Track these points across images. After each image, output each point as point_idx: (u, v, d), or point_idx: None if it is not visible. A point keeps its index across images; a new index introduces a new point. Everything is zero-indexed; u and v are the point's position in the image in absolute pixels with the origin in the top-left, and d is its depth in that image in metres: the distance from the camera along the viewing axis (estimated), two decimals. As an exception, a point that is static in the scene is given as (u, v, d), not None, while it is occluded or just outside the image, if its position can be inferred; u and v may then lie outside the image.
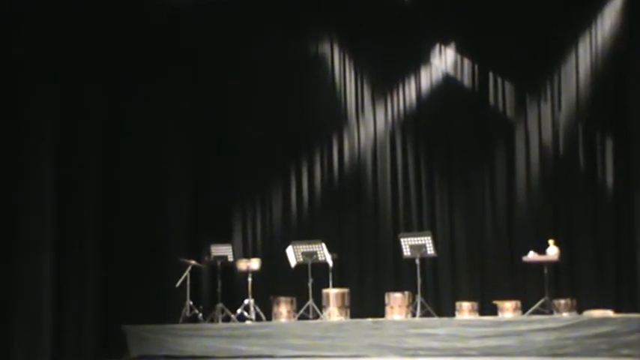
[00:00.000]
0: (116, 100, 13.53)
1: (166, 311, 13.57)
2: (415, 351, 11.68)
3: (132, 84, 13.76)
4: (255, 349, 12.35)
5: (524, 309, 12.38)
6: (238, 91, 15.15)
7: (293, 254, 13.40)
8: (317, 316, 12.98)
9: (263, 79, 15.05)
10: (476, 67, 14.27)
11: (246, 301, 13.53)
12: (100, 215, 13.09)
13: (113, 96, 13.48)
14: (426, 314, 12.52)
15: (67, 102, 12.55)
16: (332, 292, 13.04)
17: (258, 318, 13.44)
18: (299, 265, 13.38)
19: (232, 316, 13.40)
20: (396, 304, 12.69)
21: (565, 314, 12.10)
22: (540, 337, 11.24)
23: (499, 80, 14.15)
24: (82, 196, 12.87)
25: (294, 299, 13.33)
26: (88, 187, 12.97)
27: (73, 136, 12.71)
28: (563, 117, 13.76)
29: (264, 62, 14.98)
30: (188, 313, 13.30)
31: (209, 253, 13.97)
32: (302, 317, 13.04)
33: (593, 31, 13.58)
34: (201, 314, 13.49)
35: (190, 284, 13.38)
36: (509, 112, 14.10)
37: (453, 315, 12.63)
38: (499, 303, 12.48)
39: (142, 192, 13.90)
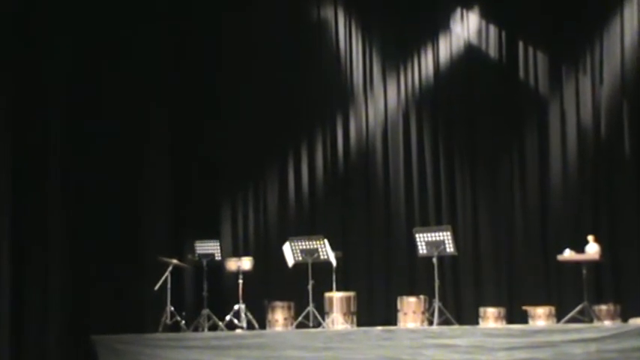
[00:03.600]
0: (81, 73, 13.57)
1: (143, 319, 13.60)
2: (432, 364, 11.66)
3: (105, 52, 13.86)
4: (247, 362, 12.34)
5: (559, 316, 12.37)
6: (228, 63, 15.12)
7: (291, 252, 13.35)
8: (318, 324, 12.97)
9: (257, 49, 15.02)
10: (503, 34, 14.27)
11: (236, 307, 13.51)
12: (66, 208, 13.12)
13: (79, 69, 13.53)
14: (444, 322, 12.51)
15: (24, 79, 12.67)
16: (336, 296, 13.02)
17: (250, 326, 13.44)
18: (298, 265, 13.34)
19: (220, 323, 13.37)
20: (410, 309, 12.66)
21: (607, 322, 12.05)
22: (578, 350, 11.19)
23: (530, 50, 14.13)
24: (45, 186, 12.90)
25: (292, 304, 13.32)
26: (53, 176, 13.01)
27: (31, 115, 12.80)
28: (605, 93, 13.73)
29: (258, 29, 14.97)
30: (169, 321, 13.30)
31: (193, 250, 13.93)
32: (301, 325, 13.01)
33: (641, -11, 13.63)
34: (184, 322, 13.47)
35: (171, 287, 13.39)
36: (542, 88, 14.07)
37: (477, 323, 12.61)
38: (530, 309, 12.47)
39: (115, 180, 13.89)
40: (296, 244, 13.30)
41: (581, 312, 12.20)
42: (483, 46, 14.33)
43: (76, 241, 13.27)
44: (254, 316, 13.46)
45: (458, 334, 11.82)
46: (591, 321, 12.08)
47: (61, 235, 13.07)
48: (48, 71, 13.22)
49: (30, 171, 12.71)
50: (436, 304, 12.52)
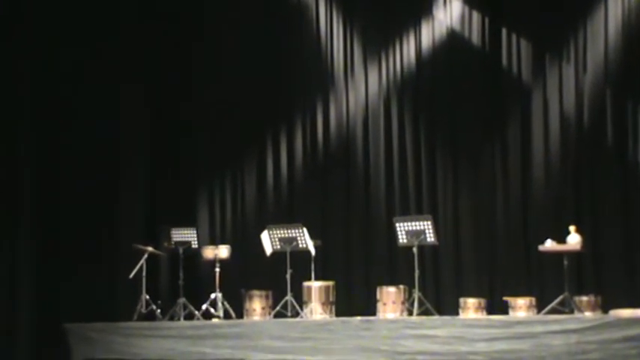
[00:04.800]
0: (54, 58, 13.59)
1: (117, 307, 13.58)
2: (412, 355, 11.67)
3: (77, 36, 13.82)
4: (223, 352, 12.32)
5: (539, 307, 12.41)
6: (207, 49, 15.03)
7: (269, 240, 13.35)
8: (296, 314, 12.97)
9: (236, 34, 14.96)
10: (486, 21, 14.26)
11: (212, 296, 13.50)
12: (37, 192, 13.11)
13: (52, 56, 13.55)
14: (424, 312, 12.53)
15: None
16: (314, 286, 13.02)
17: (227, 315, 13.43)
18: (276, 254, 13.33)
19: (196, 312, 13.39)
20: (390, 300, 12.69)
21: (588, 314, 12.11)
22: (559, 341, 11.21)
23: (513, 37, 14.13)
24: (16, 172, 12.89)
25: (270, 293, 13.33)
26: (24, 162, 12.98)
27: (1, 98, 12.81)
28: (588, 81, 13.76)
29: (238, 14, 14.89)
30: (144, 309, 13.28)
31: (169, 238, 13.86)
32: (279, 315, 13.02)
33: (625, -23, 13.66)
34: (159, 310, 13.44)
35: (147, 275, 13.36)
36: (526, 76, 14.09)
37: (457, 313, 12.65)
38: (511, 300, 12.51)
39: (88, 164, 13.87)
40: (274, 232, 13.29)
41: (561, 303, 12.25)
42: (466, 33, 14.31)
43: (50, 228, 13.23)
44: (231, 306, 13.45)
45: (438, 324, 11.81)
46: (572, 312, 12.12)
47: (33, 222, 13.00)
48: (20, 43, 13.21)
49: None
50: (416, 294, 12.55)
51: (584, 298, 12.34)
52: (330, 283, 13.18)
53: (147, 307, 13.28)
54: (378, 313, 12.73)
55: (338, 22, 14.86)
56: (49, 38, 13.61)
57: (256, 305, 13.15)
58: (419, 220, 12.99)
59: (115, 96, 14.32)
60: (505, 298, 12.60)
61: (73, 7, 13.94)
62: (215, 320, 13.19)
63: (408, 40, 14.57)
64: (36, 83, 13.45)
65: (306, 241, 13.15)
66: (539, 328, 11.34)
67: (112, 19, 14.32)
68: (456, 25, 14.35)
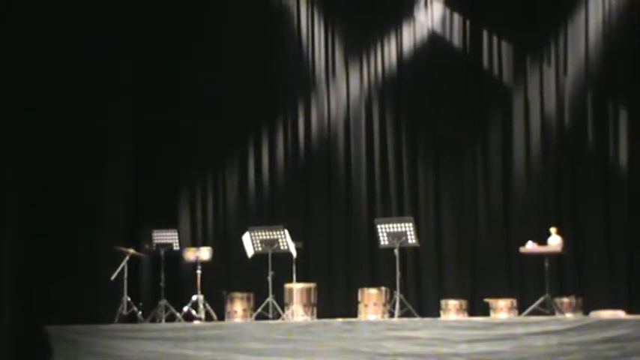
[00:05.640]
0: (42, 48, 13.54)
1: (99, 309, 13.53)
2: (393, 357, 11.69)
3: (61, 32, 13.83)
4: (205, 354, 12.30)
5: (520, 309, 12.43)
6: (189, 50, 14.98)
7: (250, 242, 13.36)
8: (278, 316, 12.98)
9: (218, 36, 14.94)
10: (467, 23, 14.28)
11: (194, 298, 13.49)
12: (18, 192, 13.04)
13: (34, 51, 13.47)
14: (406, 314, 12.55)
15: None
16: (296, 288, 13.02)
17: (208, 317, 13.42)
18: (257, 256, 13.34)
19: (178, 314, 13.35)
20: (371, 301, 12.70)
21: (569, 315, 12.15)
22: (539, 342, 11.28)
23: (494, 39, 14.16)
24: None
25: (251, 295, 13.29)
26: (7, 161, 12.93)
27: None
28: (569, 83, 13.82)
29: (219, 16, 14.87)
30: (125, 312, 13.24)
31: (150, 240, 13.85)
32: (260, 317, 13.01)
33: (605, -21, 13.70)
34: (140, 312, 13.42)
35: (128, 277, 13.33)
36: (507, 77, 14.13)
37: (438, 315, 12.66)
38: (492, 301, 12.53)
39: (72, 168, 13.84)
40: (256, 234, 13.29)
41: (543, 304, 12.28)
42: (447, 35, 14.32)
43: (30, 230, 13.17)
44: (212, 307, 13.44)
45: (419, 326, 11.84)
46: (553, 313, 12.16)
47: (14, 223, 12.95)
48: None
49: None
50: (397, 295, 12.56)
51: (565, 300, 12.38)
52: (312, 285, 13.16)
53: (128, 309, 13.23)
54: (359, 315, 12.73)
55: (319, 24, 14.84)
56: (35, 36, 13.62)
57: (238, 307, 13.10)
58: (400, 221, 13.00)
59: (98, 99, 14.26)
60: (486, 300, 12.61)
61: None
62: (196, 322, 13.16)
63: (389, 42, 14.57)
64: (21, 81, 13.42)
65: (287, 242, 13.15)
66: (520, 330, 11.39)
67: (93, 17, 14.34)
68: (437, 27, 14.36)
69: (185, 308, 13.41)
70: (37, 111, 13.65)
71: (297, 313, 12.86)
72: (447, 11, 14.35)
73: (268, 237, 13.22)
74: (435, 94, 14.33)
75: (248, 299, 13.21)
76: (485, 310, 12.58)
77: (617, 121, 13.46)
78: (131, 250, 13.48)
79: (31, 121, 13.52)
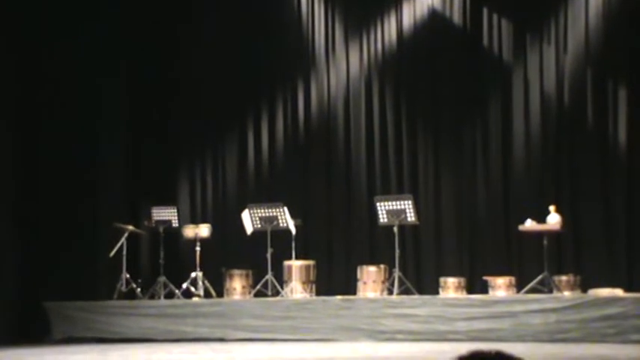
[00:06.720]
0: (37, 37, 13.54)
1: (98, 285, 13.59)
2: (392, 334, 11.75)
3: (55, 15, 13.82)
4: (203, 331, 12.38)
5: (519, 286, 12.45)
6: (187, 27, 14.99)
7: (249, 219, 13.37)
8: (277, 293, 13.01)
9: (217, 14, 14.92)
10: (467, 0, 14.22)
11: (193, 275, 13.52)
12: (17, 170, 13.11)
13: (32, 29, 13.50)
14: (404, 291, 12.57)
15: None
16: (295, 265, 13.05)
17: (207, 294, 13.44)
18: (256, 233, 13.36)
19: (177, 291, 13.38)
20: (370, 279, 12.72)
21: (567, 293, 12.16)
22: (538, 320, 11.32)
23: (494, 17, 14.13)
24: None
25: (250, 272, 13.33)
26: (3, 140, 13.01)
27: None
28: (569, 61, 13.79)
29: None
30: (124, 288, 13.27)
31: (150, 217, 13.88)
32: (259, 294, 13.04)
33: (606, -43, 13.65)
34: (139, 289, 13.46)
35: (127, 254, 13.36)
36: (506, 56, 14.10)
37: (437, 293, 12.68)
38: (490, 279, 12.54)
39: (69, 143, 13.84)
40: (255, 211, 13.31)
41: (541, 282, 12.29)
42: (447, 13, 14.29)
43: (29, 208, 13.19)
44: (211, 284, 13.47)
45: (418, 303, 11.89)
46: (551, 291, 12.19)
47: (13, 201, 12.96)
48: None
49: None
50: (396, 273, 12.59)
51: (564, 278, 12.40)
52: (311, 262, 13.21)
53: (127, 285, 13.27)
54: (358, 292, 12.75)
55: (319, 1, 14.83)
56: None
57: (237, 284, 13.15)
58: (400, 199, 13.02)
59: (96, 76, 14.25)
60: (485, 278, 12.63)
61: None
62: (195, 299, 13.21)
63: (389, 20, 14.55)
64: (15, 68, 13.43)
65: (286, 220, 13.18)
66: (518, 308, 11.44)
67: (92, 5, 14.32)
68: (437, 5, 14.33)
69: (184, 285, 13.44)
70: (32, 90, 13.64)
71: (296, 290, 12.90)
72: (448, -12, 14.35)
73: (267, 214, 13.23)
74: (434, 71, 14.33)
75: (247, 276, 13.26)
76: (483, 288, 12.61)
77: (616, 99, 13.44)
78: (130, 227, 13.51)
79: (27, 100, 13.49)
